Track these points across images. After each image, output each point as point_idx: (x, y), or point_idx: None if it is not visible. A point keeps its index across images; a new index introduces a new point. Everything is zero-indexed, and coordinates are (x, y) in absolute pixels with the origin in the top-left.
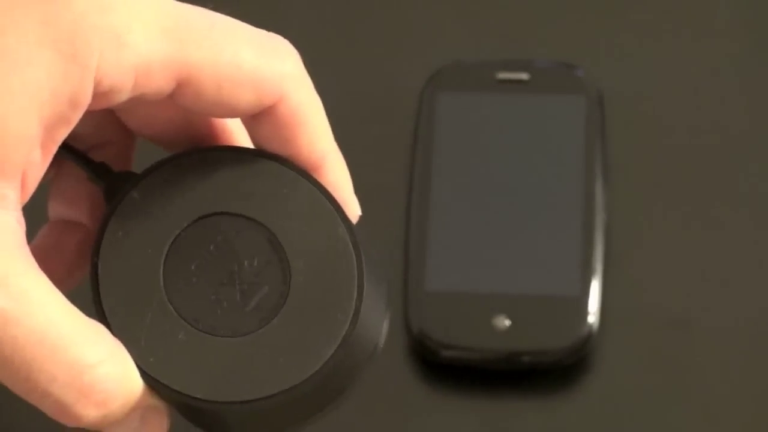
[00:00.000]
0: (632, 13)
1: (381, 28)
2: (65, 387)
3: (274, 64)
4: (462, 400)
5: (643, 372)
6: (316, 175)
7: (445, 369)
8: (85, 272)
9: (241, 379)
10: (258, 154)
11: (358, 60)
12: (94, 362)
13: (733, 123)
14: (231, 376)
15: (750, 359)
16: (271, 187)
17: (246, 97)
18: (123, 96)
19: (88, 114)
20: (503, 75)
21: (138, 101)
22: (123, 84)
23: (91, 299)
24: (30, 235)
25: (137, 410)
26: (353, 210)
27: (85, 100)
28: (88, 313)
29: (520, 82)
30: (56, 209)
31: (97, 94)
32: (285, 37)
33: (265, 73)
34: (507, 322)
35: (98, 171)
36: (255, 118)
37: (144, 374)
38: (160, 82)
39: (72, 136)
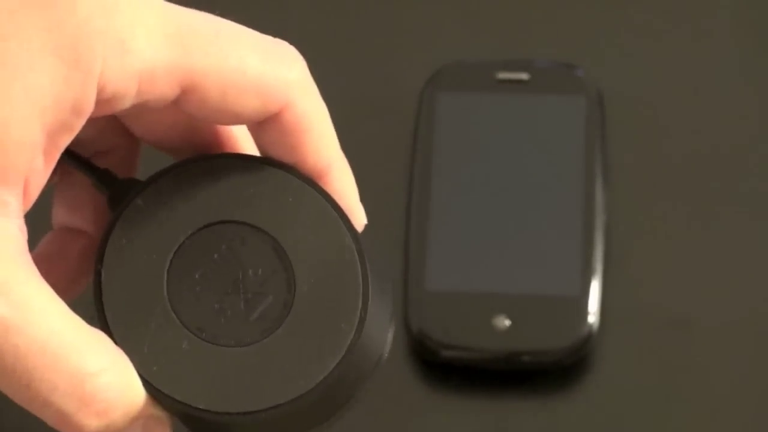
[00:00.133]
0: (632, 13)
1: (381, 28)
2: (66, 396)
3: (279, 70)
4: (462, 400)
5: (643, 372)
6: (321, 183)
7: (445, 369)
8: (88, 280)
9: (245, 390)
10: (263, 162)
11: (358, 60)
12: (95, 371)
13: (733, 123)
14: (234, 386)
15: (750, 359)
16: (276, 195)
17: (251, 104)
18: (126, 102)
19: (92, 120)
20: (503, 75)
21: (142, 108)
22: (126, 90)
23: (94, 307)
24: (34, 242)
25: (139, 420)
26: (359, 218)
27: (88, 107)
28: (91, 322)
29: (520, 82)
30: (60, 216)
31: (101, 101)
32: (285, 38)
33: (271, 79)
34: (507, 322)
35: (102, 178)
36: (260, 125)
37: (146, 384)
38: (164, 89)
39: (76, 142)
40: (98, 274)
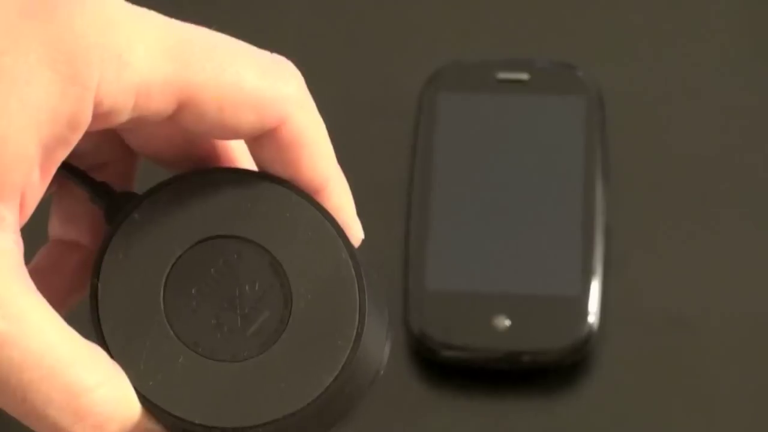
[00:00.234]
0: (632, 13)
1: (381, 28)
2: (62, 410)
3: (276, 86)
4: (462, 400)
5: (643, 372)
6: (318, 198)
7: (445, 369)
8: (84, 293)
9: (241, 405)
10: (261, 177)
11: (358, 60)
12: (91, 385)
13: (733, 123)
14: (231, 401)
15: (749, 359)
16: (273, 210)
17: (248, 119)
18: (123, 117)
19: (89, 134)
20: (503, 75)
21: (139, 122)
22: (123, 104)
23: (90, 321)
24: (29, 254)
25: None
26: (356, 233)
27: (85, 121)
28: (87, 335)
29: (520, 82)
30: (56, 229)
31: (97, 115)
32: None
33: (268, 95)
34: (507, 322)
35: (99, 191)
36: (257, 140)
37: (142, 398)
38: (160, 103)
39: (73, 155)
40: (95, 287)
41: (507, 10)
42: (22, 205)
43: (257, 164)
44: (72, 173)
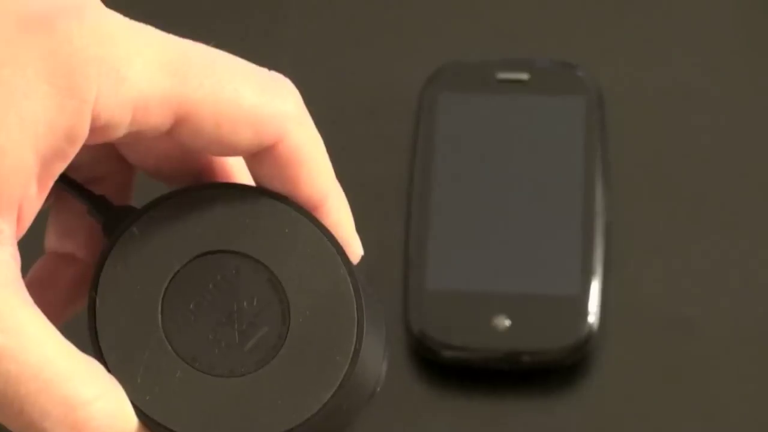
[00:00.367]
0: (632, 13)
1: (381, 27)
2: (59, 423)
3: (274, 103)
4: (462, 400)
5: (643, 372)
6: (317, 215)
7: (445, 369)
8: (80, 306)
9: (238, 421)
10: (260, 193)
11: (358, 60)
12: (88, 399)
13: (734, 123)
14: (228, 417)
15: (750, 359)
16: (272, 226)
17: (245, 136)
18: (120, 131)
19: (87, 147)
20: (503, 75)
21: (136, 136)
22: (121, 119)
23: (88, 334)
24: (26, 267)
25: None
26: (355, 250)
27: (83, 134)
28: (84, 348)
29: (520, 82)
30: (53, 242)
31: (95, 129)
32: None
33: (266, 112)
34: (507, 322)
35: (98, 205)
36: (255, 157)
37: (139, 412)
38: (158, 118)
39: (71, 167)
40: (93, 301)
41: (507, 10)
42: (19, 218)
43: (255, 180)
44: (70, 186)
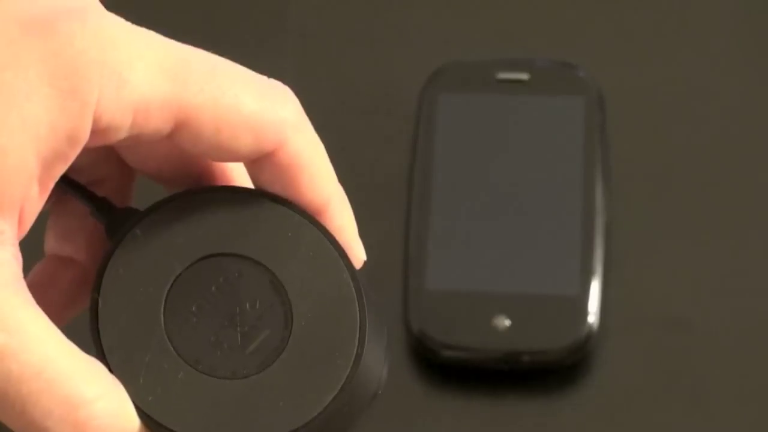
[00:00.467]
0: (632, 13)
1: (381, 27)
2: (61, 422)
3: (274, 109)
4: (462, 400)
5: (643, 372)
6: (320, 219)
7: (445, 369)
8: (79, 309)
9: (240, 422)
10: (262, 196)
11: (358, 60)
12: (90, 398)
13: (734, 123)
14: (230, 418)
15: (750, 359)
16: (275, 229)
17: (245, 142)
18: (121, 134)
19: (87, 150)
20: (503, 75)
21: (137, 140)
22: (121, 122)
23: (90, 335)
24: (26, 270)
25: None
26: (357, 255)
27: (84, 137)
28: (86, 350)
29: (520, 82)
30: (52, 245)
31: (96, 131)
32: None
33: (266, 118)
34: (507, 322)
35: (101, 206)
36: (256, 163)
37: (141, 413)
38: (158, 122)
39: (71, 169)
40: (95, 302)
41: (507, 10)
42: (20, 219)
43: (256, 186)
44: (73, 188)
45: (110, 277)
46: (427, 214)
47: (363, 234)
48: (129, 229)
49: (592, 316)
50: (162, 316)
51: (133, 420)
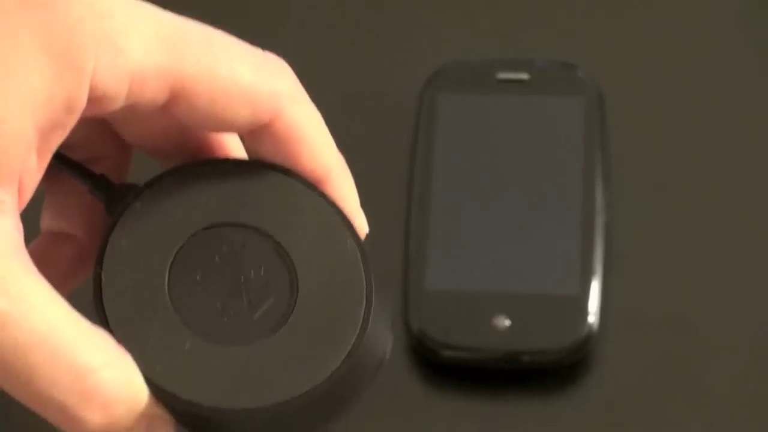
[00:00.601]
0: (632, 13)
1: (381, 28)
2: (67, 390)
3: (270, 80)
4: (462, 400)
5: (643, 372)
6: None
7: (445, 369)
8: (77, 283)
9: (250, 387)
10: (263, 166)
11: (358, 60)
12: (97, 366)
13: (734, 123)
14: (239, 383)
15: (750, 359)
16: (276, 197)
17: (241, 112)
18: (117, 103)
19: (84, 124)
20: (503, 75)
21: (133, 111)
22: (117, 90)
23: (94, 309)
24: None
25: (143, 420)
26: (360, 225)
27: (80, 105)
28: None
29: (520, 82)
30: (48, 221)
31: (92, 100)
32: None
33: (261, 88)
34: (507, 322)
35: (99, 183)
36: (254, 135)
37: (150, 383)
38: (154, 92)
39: (67, 147)
40: (98, 276)
41: (507, 10)
42: (20, 191)
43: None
44: (70, 167)
45: (112, 250)
46: (427, 214)
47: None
48: (130, 202)
49: (592, 316)
50: (166, 286)
51: (142, 390)
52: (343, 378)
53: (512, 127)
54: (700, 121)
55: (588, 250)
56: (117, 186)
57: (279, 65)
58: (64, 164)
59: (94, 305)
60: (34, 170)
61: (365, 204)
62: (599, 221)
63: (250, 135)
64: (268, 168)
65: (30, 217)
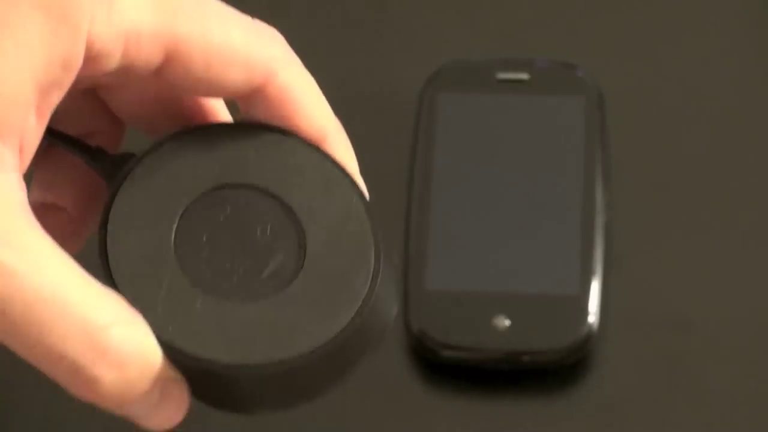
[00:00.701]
0: (632, 13)
1: (381, 27)
2: (79, 347)
3: (263, 45)
4: (462, 400)
5: (643, 372)
6: None
7: (445, 369)
8: (68, 254)
9: (262, 342)
10: (263, 127)
11: (358, 60)
12: (107, 322)
13: (734, 123)
14: (251, 339)
15: (750, 359)
16: (279, 157)
17: (235, 76)
18: (112, 63)
19: (78, 98)
20: (503, 75)
21: (126, 75)
22: (113, 49)
23: (101, 273)
24: None
25: (157, 383)
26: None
27: (77, 62)
28: None
29: (520, 82)
30: (37, 193)
31: (88, 58)
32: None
33: (254, 51)
34: (507, 322)
35: (96, 156)
36: (248, 99)
37: (163, 344)
38: (148, 52)
39: (61, 124)
40: (103, 239)
41: (507, 10)
42: (20, 151)
43: None
44: (65, 141)
45: (117, 214)
46: (427, 213)
47: None
48: (131, 168)
49: (592, 316)
50: (173, 248)
51: (155, 349)
52: (352, 335)
53: (512, 127)
54: (700, 121)
55: (588, 250)
56: (115, 156)
57: (271, 31)
58: (59, 139)
59: (101, 268)
60: (33, 130)
61: None
62: (599, 221)
63: (244, 99)
64: (268, 129)
65: None
